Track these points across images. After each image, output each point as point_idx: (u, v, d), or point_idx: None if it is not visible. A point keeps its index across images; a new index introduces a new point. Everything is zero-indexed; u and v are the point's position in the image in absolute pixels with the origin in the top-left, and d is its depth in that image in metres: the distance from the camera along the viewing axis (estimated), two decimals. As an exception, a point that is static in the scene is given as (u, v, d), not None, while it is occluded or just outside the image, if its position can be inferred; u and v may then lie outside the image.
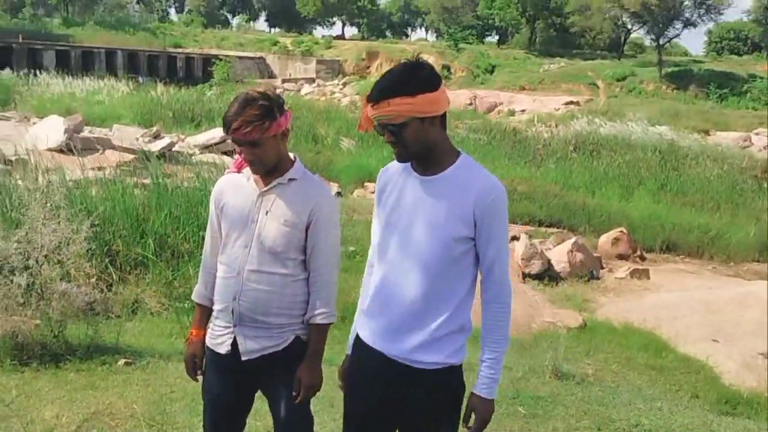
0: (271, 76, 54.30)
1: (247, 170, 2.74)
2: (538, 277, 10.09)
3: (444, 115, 2.40)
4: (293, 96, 26.64)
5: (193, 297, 2.94)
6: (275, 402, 2.78)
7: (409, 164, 2.47)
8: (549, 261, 10.30)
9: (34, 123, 15.20)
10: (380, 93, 2.30)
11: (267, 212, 2.67)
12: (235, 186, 2.77)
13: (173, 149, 14.03)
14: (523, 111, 39.57)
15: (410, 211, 2.42)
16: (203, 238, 8.15)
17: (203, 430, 2.96)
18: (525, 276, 10.15)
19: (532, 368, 5.79)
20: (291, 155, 2.75)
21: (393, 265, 2.45)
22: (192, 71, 49.62)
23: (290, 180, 2.70)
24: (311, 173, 2.81)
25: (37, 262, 5.25)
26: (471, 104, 40.56)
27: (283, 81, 50.29)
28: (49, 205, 5.58)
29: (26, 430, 3.81)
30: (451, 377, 2.44)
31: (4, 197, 7.08)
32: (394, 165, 2.53)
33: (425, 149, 2.38)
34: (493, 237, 2.36)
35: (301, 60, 56.59)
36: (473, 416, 2.43)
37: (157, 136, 15.45)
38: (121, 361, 5.18)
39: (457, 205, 2.35)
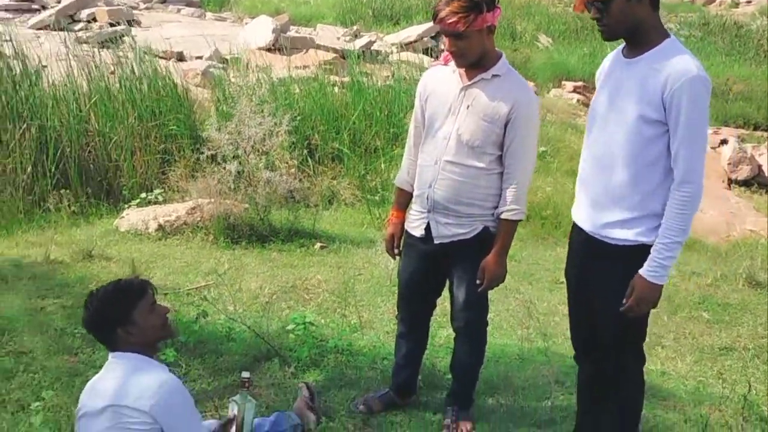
0: (473, -29, 52.77)
1: (452, 64, 2.82)
2: (746, 183, 9.41)
3: None
4: (493, -9, 25.71)
5: (395, 181, 3.15)
6: (458, 285, 2.97)
7: (621, 48, 2.52)
8: (759, 167, 9.52)
9: (246, 23, 16.15)
10: None
11: (468, 106, 2.76)
12: (440, 79, 2.88)
13: (372, 48, 14.34)
14: (750, 2, 35.39)
15: (610, 93, 2.48)
16: (395, 135, 8.47)
17: (396, 305, 3.25)
18: (731, 182, 9.51)
19: (724, 275, 5.55)
20: (498, 51, 2.79)
21: (594, 145, 2.54)
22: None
23: (494, 76, 2.75)
24: (515, 71, 2.84)
25: (245, 152, 5.82)
26: (688, -5, 36.85)
27: (485, -24, 48.72)
28: (254, 100, 6.09)
29: (234, 296, 4.37)
30: (642, 255, 2.43)
31: (219, 93, 7.77)
32: (616, 51, 2.57)
33: (629, 28, 2.39)
34: (681, 123, 2.30)
35: (504, -47, 54.36)
36: (633, 294, 2.43)
37: (357, 35, 15.84)
38: (317, 245, 5.67)
39: (648, 88, 2.34)
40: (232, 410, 2.60)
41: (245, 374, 2.62)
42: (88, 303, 2.33)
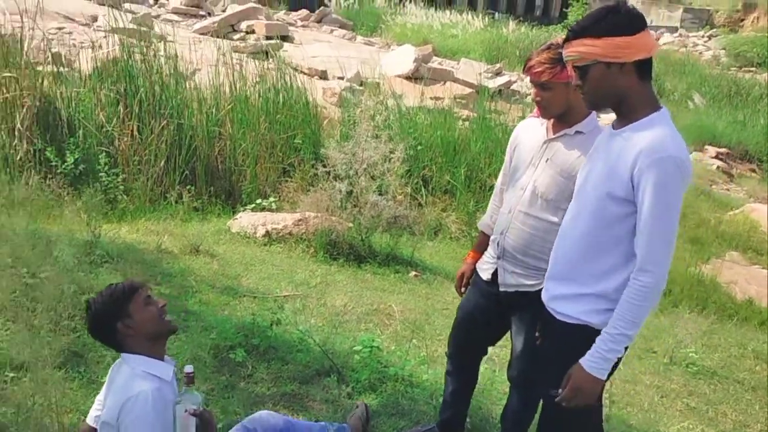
0: (634, 21, 51.44)
1: None
2: None
3: (644, 63, 2.20)
4: (649, 44, 25.04)
5: (478, 223, 3.23)
6: (516, 334, 2.97)
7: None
8: None
9: (392, 50, 16.62)
10: (570, 32, 2.26)
11: (547, 160, 2.78)
12: (530, 130, 2.92)
13: (510, 87, 14.37)
14: None
15: (592, 164, 2.37)
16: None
17: (447, 340, 3.27)
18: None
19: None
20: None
21: (568, 213, 2.47)
22: (549, 10, 48.95)
23: (577, 132, 2.75)
24: (603, 129, 2.82)
25: (357, 173, 6.01)
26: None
27: (644, 28, 47.36)
28: (374, 124, 6.30)
29: (318, 309, 4.51)
30: (583, 336, 2.29)
31: (345, 114, 8.06)
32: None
33: (610, 97, 2.25)
34: (647, 203, 2.13)
35: (667, 6, 52.59)
36: (569, 383, 2.27)
37: (498, 73, 15.91)
38: (412, 273, 5.75)
39: (621, 163, 2.20)
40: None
41: (188, 368, 2.35)
42: (88, 308, 2.35)
